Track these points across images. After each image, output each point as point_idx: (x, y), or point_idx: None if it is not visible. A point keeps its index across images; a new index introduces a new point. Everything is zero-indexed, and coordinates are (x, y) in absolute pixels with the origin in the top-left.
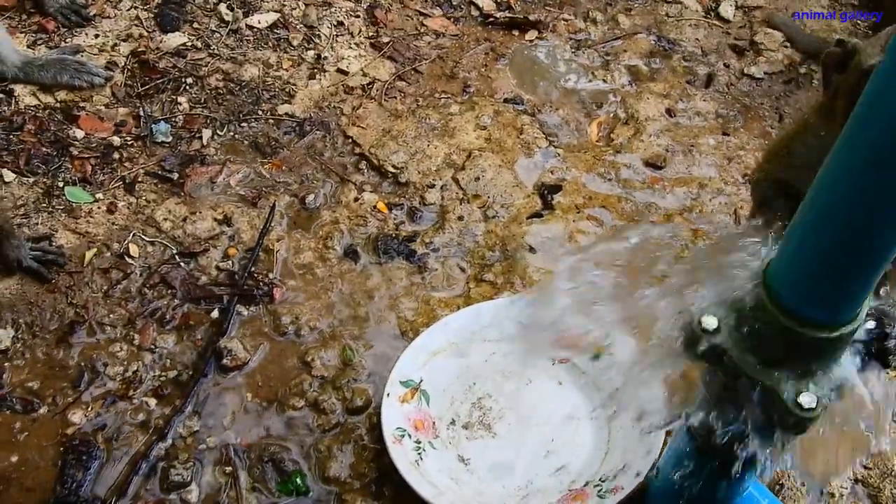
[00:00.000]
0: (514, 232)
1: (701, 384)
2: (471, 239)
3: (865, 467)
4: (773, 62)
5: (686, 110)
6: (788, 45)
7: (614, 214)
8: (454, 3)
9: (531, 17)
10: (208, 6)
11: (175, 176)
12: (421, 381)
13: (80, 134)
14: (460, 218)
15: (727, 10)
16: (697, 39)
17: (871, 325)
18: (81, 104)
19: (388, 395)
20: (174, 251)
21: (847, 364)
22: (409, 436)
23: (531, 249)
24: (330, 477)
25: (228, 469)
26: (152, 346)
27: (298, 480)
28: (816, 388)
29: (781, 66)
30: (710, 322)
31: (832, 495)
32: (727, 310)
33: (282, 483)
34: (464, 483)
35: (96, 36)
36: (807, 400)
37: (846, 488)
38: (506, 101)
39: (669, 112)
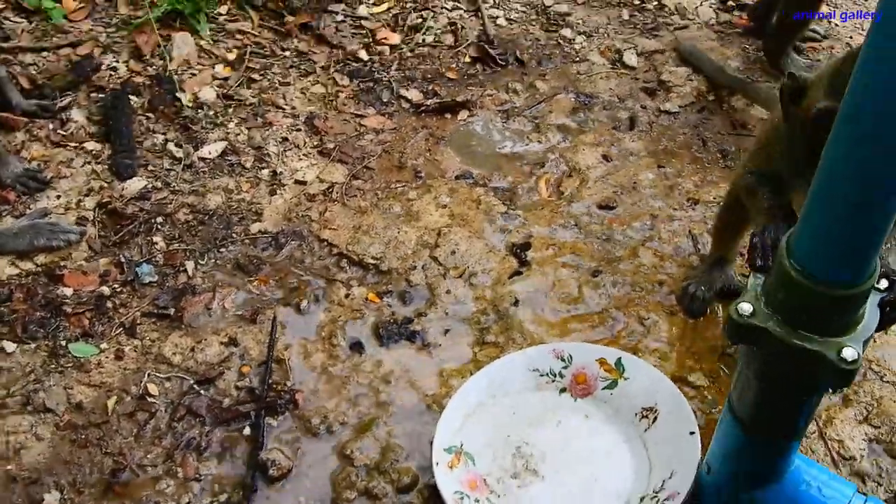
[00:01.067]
0: (501, 293)
1: (740, 366)
2: (463, 308)
3: (874, 426)
4: (683, 96)
5: (620, 153)
6: (694, 77)
7: (586, 258)
8: (385, 100)
9: (459, 99)
10: (157, 148)
11: (171, 311)
12: (462, 444)
13: (68, 291)
14: (448, 291)
15: (630, 58)
16: (611, 89)
17: (884, 283)
18: (62, 263)
19: (437, 464)
20: (191, 381)
21: (869, 320)
22: (468, 496)
23: (521, 305)
24: None
25: None
26: (197, 476)
27: None
28: (852, 343)
29: (692, 97)
30: (746, 308)
31: (853, 458)
32: (756, 293)
33: None
34: None
35: (58, 196)
36: (849, 353)
37: (864, 449)
38: (457, 177)
39: (606, 157)
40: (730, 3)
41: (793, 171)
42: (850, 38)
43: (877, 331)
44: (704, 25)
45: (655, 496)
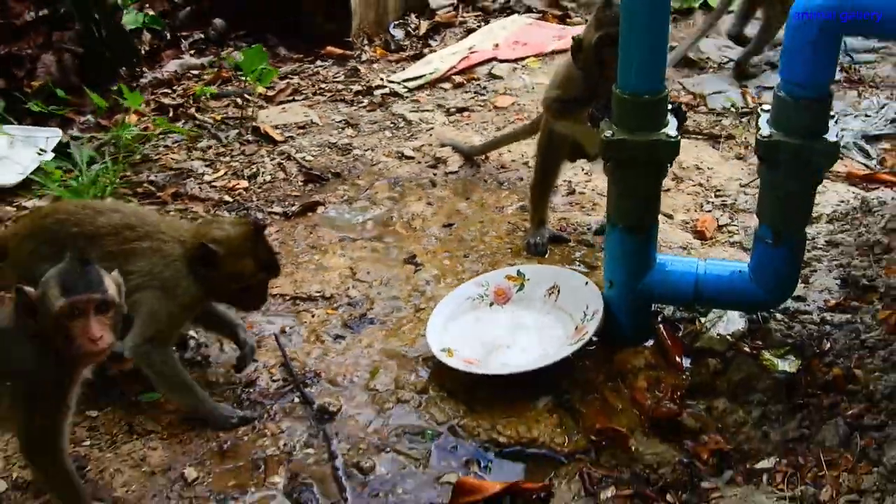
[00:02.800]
0: (415, 283)
1: (610, 182)
2: (396, 297)
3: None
4: (457, 161)
5: (437, 199)
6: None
7: (453, 251)
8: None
9: (314, 199)
10: None
11: (199, 359)
12: (448, 346)
13: (115, 372)
14: (379, 293)
15: (409, 152)
16: (408, 171)
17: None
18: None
19: (440, 355)
20: (240, 387)
21: (672, 120)
22: (467, 365)
23: (431, 284)
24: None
25: None
26: (280, 430)
27: None
28: (670, 130)
29: (462, 161)
30: (608, 132)
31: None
32: (609, 125)
33: None
34: (515, 366)
35: None
36: (672, 132)
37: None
38: (339, 241)
39: (429, 203)
40: (452, 110)
41: (588, 91)
42: None
43: (679, 127)
44: (443, 125)
45: (584, 316)
